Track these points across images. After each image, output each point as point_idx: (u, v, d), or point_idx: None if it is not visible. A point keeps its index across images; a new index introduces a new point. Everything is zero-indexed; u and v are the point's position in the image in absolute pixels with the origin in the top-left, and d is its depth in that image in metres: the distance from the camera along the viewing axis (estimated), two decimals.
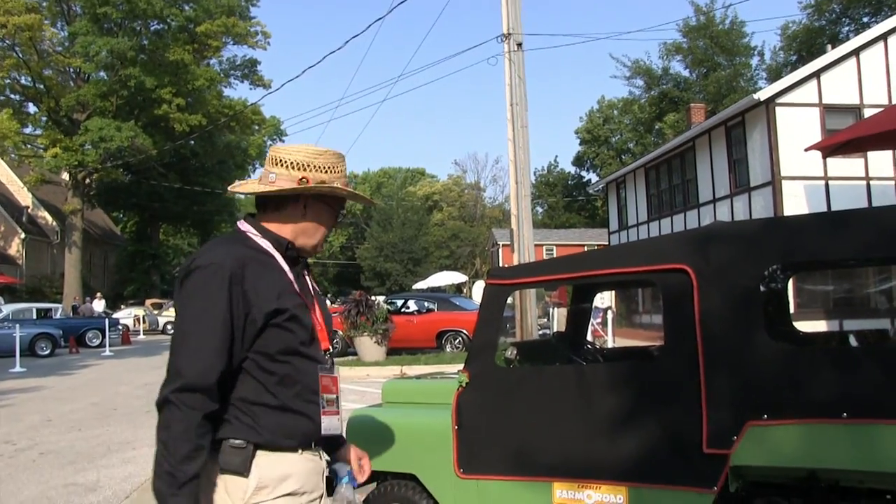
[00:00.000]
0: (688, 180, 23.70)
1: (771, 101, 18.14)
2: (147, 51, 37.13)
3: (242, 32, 40.28)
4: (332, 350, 2.13)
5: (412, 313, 18.75)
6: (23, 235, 42.55)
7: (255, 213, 2.13)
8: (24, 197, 45.44)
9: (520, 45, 15.22)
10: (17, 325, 19.07)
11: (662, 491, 3.06)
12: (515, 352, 3.98)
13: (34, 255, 43.21)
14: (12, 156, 38.10)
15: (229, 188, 2.28)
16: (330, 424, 2.09)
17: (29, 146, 37.13)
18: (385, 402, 4.25)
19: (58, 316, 25.81)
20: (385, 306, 17.46)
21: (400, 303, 19.62)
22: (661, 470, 3.06)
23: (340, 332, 18.28)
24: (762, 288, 3.04)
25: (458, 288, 42.94)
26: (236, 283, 1.89)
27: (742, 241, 3.07)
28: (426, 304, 19.21)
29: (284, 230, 2.07)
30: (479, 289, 19.98)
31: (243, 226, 2.09)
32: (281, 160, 2.04)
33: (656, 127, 51.16)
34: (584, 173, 66.38)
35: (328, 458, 2.21)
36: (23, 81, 37.43)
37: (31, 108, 38.76)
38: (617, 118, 59.46)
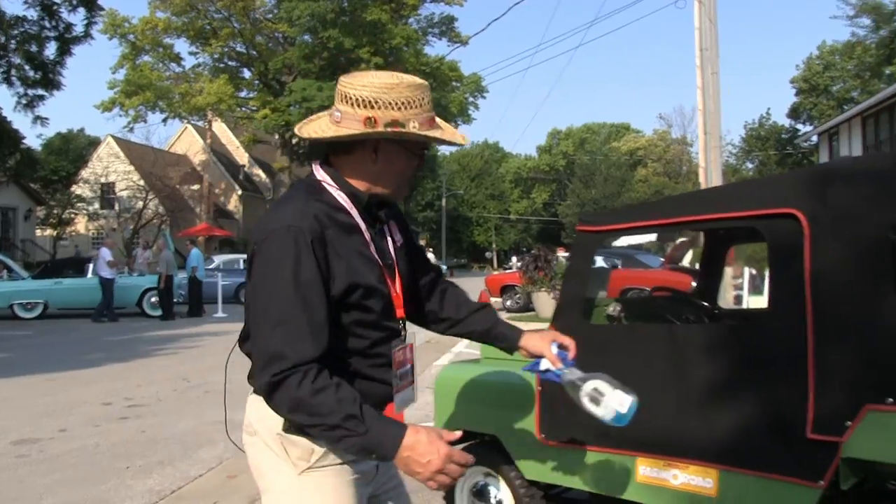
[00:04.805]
0: None
1: None
2: (346, 12, 38.46)
3: None
4: (405, 319, 1.93)
5: None
6: (240, 192, 46.26)
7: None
8: (240, 156, 49.25)
9: None
10: (220, 274, 20.50)
11: (759, 479, 2.56)
12: (619, 308, 3.55)
13: (249, 210, 46.80)
14: (231, 118, 41.24)
15: (296, 128, 1.96)
16: (404, 399, 1.93)
17: (244, 108, 39.98)
18: (483, 357, 3.97)
19: None
20: (565, 262, 17.09)
21: None
22: (757, 454, 2.55)
23: (518, 287, 18.13)
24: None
25: (660, 246, 41.35)
26: (319, 247, 1.68)
27: (871, 180, 2.43)
28: (613, 260, 18.51)
29: (358, 177, 1.82)
30: None
31: (319, 173, 1.84)
32: (346, 96, 1.75)
33: (886, 72, 45.62)
34: (799, 126, 60.85)
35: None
36: (238, 49, 40.34)
37: (246, 74, 41.72)
38: (839, 64, 53.71)
